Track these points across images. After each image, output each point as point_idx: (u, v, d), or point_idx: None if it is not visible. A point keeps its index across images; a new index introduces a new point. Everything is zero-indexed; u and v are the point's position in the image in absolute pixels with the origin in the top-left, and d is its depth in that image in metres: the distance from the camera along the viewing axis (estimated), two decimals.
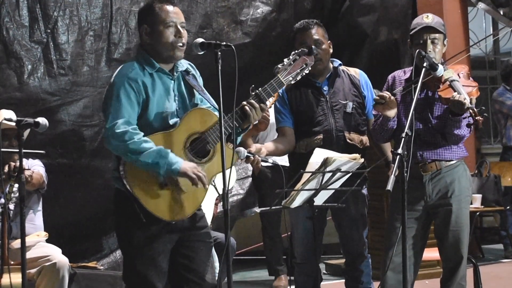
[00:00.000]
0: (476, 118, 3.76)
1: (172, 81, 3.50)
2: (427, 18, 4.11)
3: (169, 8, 3.46)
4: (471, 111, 3.77)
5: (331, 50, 4.47)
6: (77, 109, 5.89)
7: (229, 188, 3.40)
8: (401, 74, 4.25)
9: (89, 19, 5.94)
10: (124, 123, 3.29)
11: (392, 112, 4.04)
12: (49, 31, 5.79)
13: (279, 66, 3.65)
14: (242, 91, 3.49)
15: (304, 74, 3.71)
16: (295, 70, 3.65)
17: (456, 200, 4.10)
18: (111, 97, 3.36)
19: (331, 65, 4.49)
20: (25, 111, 5.45)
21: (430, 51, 4.03)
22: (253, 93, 3.53)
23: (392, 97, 4.01)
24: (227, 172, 3.20)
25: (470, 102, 3.82)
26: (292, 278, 4.47)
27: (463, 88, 3.90)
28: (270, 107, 4.19)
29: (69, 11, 5.85)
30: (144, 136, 3.32)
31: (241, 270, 7.13)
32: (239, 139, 3.61)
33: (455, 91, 3.88)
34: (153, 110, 3.40)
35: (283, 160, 4.53)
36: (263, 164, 4.19)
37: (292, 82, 3.68)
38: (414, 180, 3.99)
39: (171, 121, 3.45)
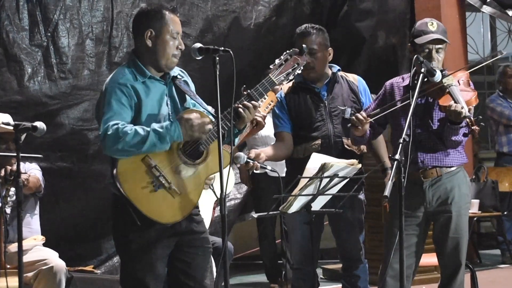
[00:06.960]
0: (472, 127, 3.73)
1: (165, 86, 3.49)
2: (432, 26, 4.03)
3: (176, 18, 3.46)
4: (467, 120, 3.75)
5: (330, 57, 4.47)
6: (77, 113, 5.89)
7: (227, 192, 3.39)
8: (400, 81, 4.21)
9: (89, 23, 5.94)
10: (114, 124, 3.29)
11: (360, 132, 4.04)
12: (49, 34, 5.79)
13: (271, 66, 3.67)
14: (240, 93, 3.52)
15: (296, 73, 3.70)
16: (287, 70, 3.65)
17: (456, 207, 4.07)
18: (103, 104, 3.37)
19: (329, 71, 4.50)
20: (25, 114, 5.44)
21: (435, 60, 4.00)
22: (245, 93, 3.54)
23: (369, 118, 4.01)
24: (225, 176, 3.19)
25: (468, 111, 3.78)
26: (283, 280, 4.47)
27: (462, 96, 3.86)
28: (269, 112, 4.19)
29: (69, 14, 5.86)
30: None
31: (239, 275, 7.13)
32: (236, 140, 3.61)
33: (453, 98, 3.86)
34: (146, 114, 3.40)
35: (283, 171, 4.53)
36: (261, 170, 4.18)
37: (284, 82, 3.70)
38: (414, 186, 3.99)
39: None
